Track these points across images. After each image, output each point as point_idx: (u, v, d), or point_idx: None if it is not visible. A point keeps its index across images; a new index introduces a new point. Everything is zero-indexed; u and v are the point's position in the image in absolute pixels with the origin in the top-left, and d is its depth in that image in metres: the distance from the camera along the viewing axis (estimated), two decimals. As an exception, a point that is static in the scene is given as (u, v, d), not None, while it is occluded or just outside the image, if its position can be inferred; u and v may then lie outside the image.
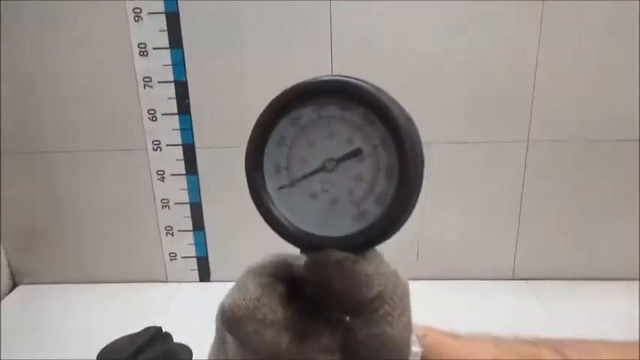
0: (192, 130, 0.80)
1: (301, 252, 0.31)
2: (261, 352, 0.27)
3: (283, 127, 0.30)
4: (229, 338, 0.29)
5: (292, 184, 0.31)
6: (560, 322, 0.73)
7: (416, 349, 0.30)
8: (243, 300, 0.28)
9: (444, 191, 0.80)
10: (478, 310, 0.77)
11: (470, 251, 0.85)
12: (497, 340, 0.35)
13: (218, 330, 0.30)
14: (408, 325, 0.29)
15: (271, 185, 0.31)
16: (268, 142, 0.31)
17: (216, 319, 0.30)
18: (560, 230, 0.82)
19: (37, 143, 0.81)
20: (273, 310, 0.27)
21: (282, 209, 0.31)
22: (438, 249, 0.84)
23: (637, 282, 0.82)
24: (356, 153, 0.29)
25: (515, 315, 0.76)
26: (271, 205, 0.31)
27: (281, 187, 0.31)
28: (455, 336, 0.35)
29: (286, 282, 0.29)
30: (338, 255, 0.28)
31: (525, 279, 0.85)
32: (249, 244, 0.83)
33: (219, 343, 0.30)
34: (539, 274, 0.85)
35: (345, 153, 0.29)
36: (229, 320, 0.28)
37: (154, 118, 0.79)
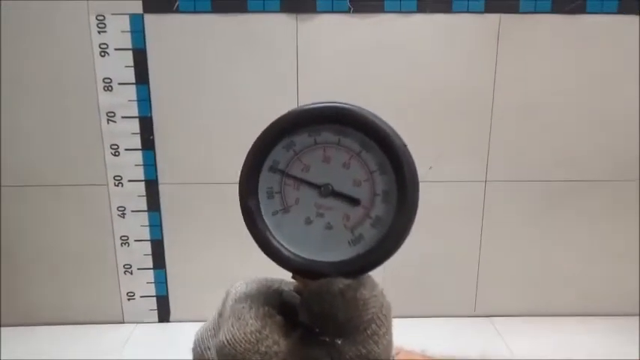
0: (155, 165, 0.79)
1: (293, 276, 0.31)
2: None
3: (277, 152, 0.30)
4: None
5: (286, 209, 0.31)
6: (521, 358, 0.74)
7: None
8: (244, 334, 0.27)
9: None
10: (440, 348, 0.76)
11: (431, 288, 0.85)
12: None
13: None
14: (391, 342, 0.29)
15: (265, 211, 0.31)
16: (263, 167, 0.30)
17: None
18: (521, 267, 0.85)
19: (-10, 177, 0.78)
20: (276, 342, 0.27)
21: (277, 235, 0.30)
22: (400, 286, 0.84)
23: (596, 318, 0.84)
24: (353, 201, 0.29)
25: (476, 352, 0.76)
26: (267, 232, 0.30)
27: (275, 213, 0.31)
28: (425, 356, 0.35)
29: (279, 309, 0.29)
30: (340, 284, 0.28)
31: (487, 316, 0.86)
32: (211, 282, 0.82)
33: None
34: (501, 310, 0.86)
35: (344, 194, 0.29)
36: (230, 356, 0.27)
37: (117, 154, 0.78)
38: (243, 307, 0.29)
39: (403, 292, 0.85)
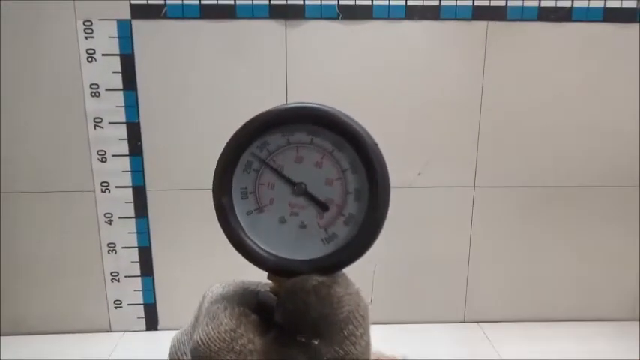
0: (143, 172, 0.78)
1: (268, 277, 0.31)
2: None
3: (251, 153, 0.31)
4: None
5: (260, 208, 0.31)
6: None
7: None
8: (218, 332, 0.27)
9: (394, 235, 0.81)
10: (429, 354, 0.77)
11: (420, 294, 0.85)
12: None
13: None
14: (369, 344, 0.29)
15: (239, 211, 0.31)
16: (236, 168, 0.31)
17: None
18: (510, 272, 0.85)
19: (-26, 184, 0.77)
20: (251, 340, 0.27)
21: (251, 234, 0.31)
22: (389, 292, 0.84)
23: (586, 323, 0.85)
24: (322, 207, 0.30)
25: (466, 358, 0.76)
26: (240, 231, 0.31)
27: (249, 213, 0.31)
28: None
29: (255, 309, 0.29)
30: (314, 280, 0.28)
31: (477, 321, 0.86)
32: (200, 290, 0.81)
33: None
34: (490, 316, 0.86)
35: (315, 198, 0.30)
36: (205, 356, 0.27)
37: (104, 160, 0.77)
38: (218, 308, 0.29)
39: (392, 297, 0.85)
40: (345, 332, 0.27)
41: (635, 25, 0.75)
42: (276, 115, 0.30)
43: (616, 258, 0.85)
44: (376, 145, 0.30)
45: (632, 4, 0.75)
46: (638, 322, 0.86)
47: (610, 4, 0.75)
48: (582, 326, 0.84)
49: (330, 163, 0.30)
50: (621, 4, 0.74)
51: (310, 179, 0.30)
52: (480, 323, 0.86)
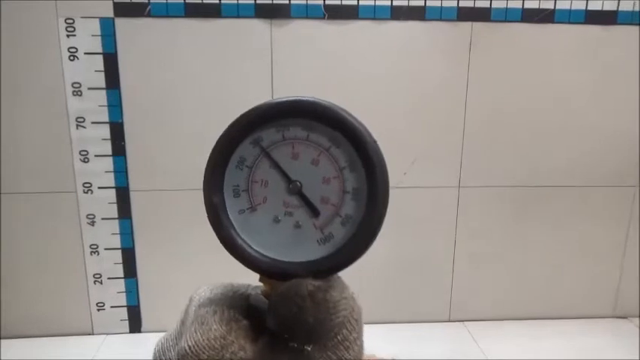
0: (127, 172, 0.77)
1: (260, 279, 0.30)
2: None
3: (244, 148, 0.29)
4: None
5: (253, 207, 0.29)
6: (495, 362, 0.75)
7: None
8: (208, 339, 0.25)
9: (379, 235, 0.81)
10: (415, 354, 0.77)
11: (406, 294, 0.86)
12: None
13: None
14: (362, 348, 0.28)
15: (231, 209, 0.30)
16: (229, 164, 0.29)
17: None
18: (495, 272, 0.86)
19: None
20: (242, 347, 0.26)
21: (243, 234, 0.29)
22: (374, 292, 0.84)
23: (570, 321, 0.86)
24: (314, 211, 0.29)
25: (451, 357, 0.77)
26: (232, 230, 0.29)
27: (241, 211, 0.30)
28: None
29: (246, 314, 0.27)
30: (310, 285, 0.26)
31: (462, 320, 0.87)
32: (184, 292, 0.80)
33: None
34: (475, 315, 0.87)
35: (308, 201, 0.29)
36: None
37: (86, 160, 0.76)
38: (206, 312, 0.27)
39: (377, 297, 0.85)
40: (339, 337, 0.26)
41: (616, 27, 0.76)
42: (271, 108, 0.29)
43: (606, 256, 0.86)
44: (375, 142, 0.29)
45: (613, 6, 0.76)
46: (622, 320, 0.87)
47: (592, 6, 0.76)
48: (567, 324, 0.85)
49: (328, 160, 0.29)
50: (602, 5, 0.76)
51: (306, 177, 0.29)
52: (465, 322, 0.87)
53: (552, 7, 0.75)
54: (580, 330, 0.84)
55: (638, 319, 0.87)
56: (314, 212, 0.29)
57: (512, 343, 0.80)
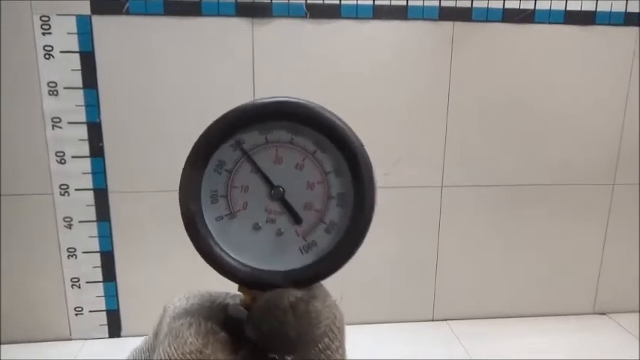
0: (105, 173, 0.75)
1: (239, 288, 0.28)
2: None
3: (224, 151, 0.28)
4: None
5: (232, 214, 0.28)
6: (479, 360, 0.76)
7: None
8: (182, 354, 0.24)
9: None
10: (399, 353, 0.77)
11: (389, 294, 0.85)
12: None
13: None
14: (344, 355, 0.27)
15: (208, 216, 0.28)
16: (207, 168, 0.28)
17: None
18: (478, 270, 0.86)
19: None
20: None
21: (221, 242, 0.28)
22: (357, 292, 0.84)
23: (554, 318, 0.87)
24: (296, 219, 0.28)
25: (435, 356, 0.77)
26: (209, 238, 0.28)
27: (219, 218, 0.28)
28: None
29: (224, 325, 0.26)
30: (291, 297, 0.25)
31: (445, 319, 0.87)
32: (164, 295, 0.79)
33: None
34: (459, 314, 0.87)
35: (291, 208, 0.27)
36: None
37: (63, 161, 0.74)
38: (182, 324, 0.26)
39: (361, 298, 0.84)
40: (320, 346, 0.25)
41: (595, 27, 0.77)
42: (254, 109, 0.27)
43: (590, 254, 0.87)
44: (362, 146, 0.28)
45: (592, 7, 0.77)
46: (601, 316, 0.88)
47: (571, 7, 0.76)
48: (549, 321, 0.86)
49: (312, 164, 0.27)
50: (581, 6, 0.77)
51: (290, 182, 0.28)
52: (449, 321, 0.87)
53: (532, 8, 0.76)
54: (562, 327, 0.85)
55: (617, 315, 0.88)
56: (296, 219, 0.27)
57: (496, 342, 0.81)
